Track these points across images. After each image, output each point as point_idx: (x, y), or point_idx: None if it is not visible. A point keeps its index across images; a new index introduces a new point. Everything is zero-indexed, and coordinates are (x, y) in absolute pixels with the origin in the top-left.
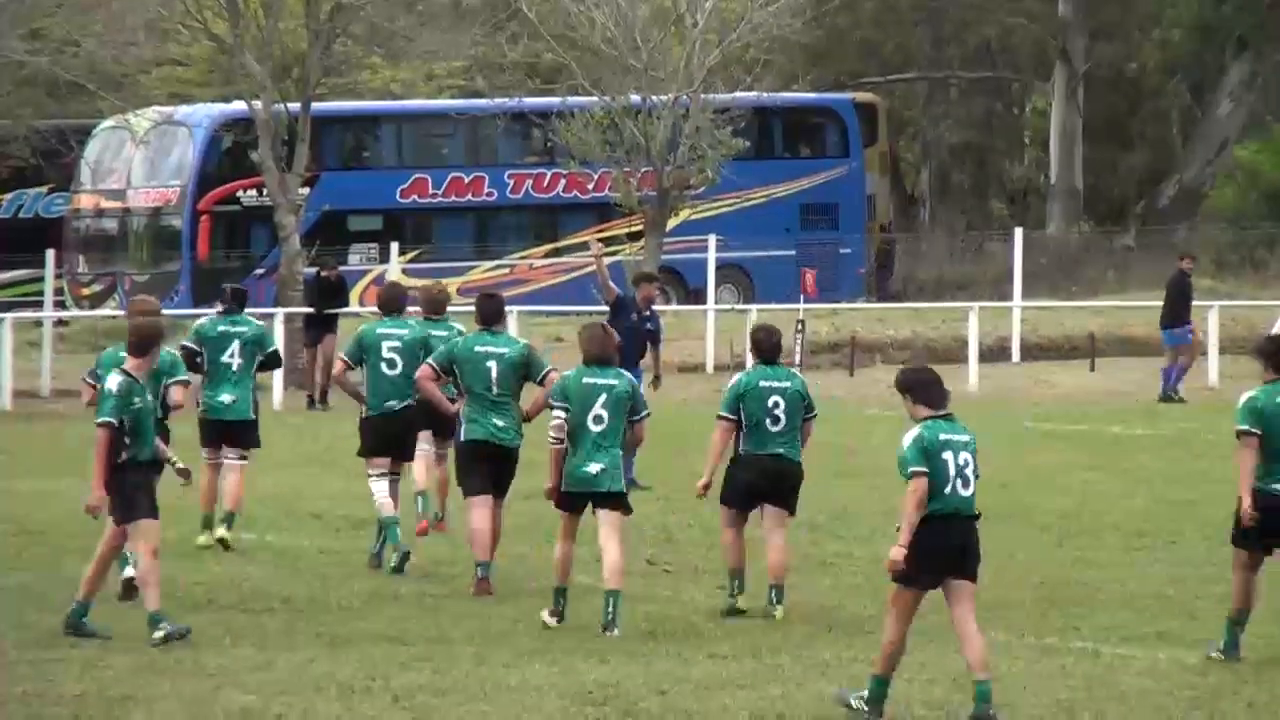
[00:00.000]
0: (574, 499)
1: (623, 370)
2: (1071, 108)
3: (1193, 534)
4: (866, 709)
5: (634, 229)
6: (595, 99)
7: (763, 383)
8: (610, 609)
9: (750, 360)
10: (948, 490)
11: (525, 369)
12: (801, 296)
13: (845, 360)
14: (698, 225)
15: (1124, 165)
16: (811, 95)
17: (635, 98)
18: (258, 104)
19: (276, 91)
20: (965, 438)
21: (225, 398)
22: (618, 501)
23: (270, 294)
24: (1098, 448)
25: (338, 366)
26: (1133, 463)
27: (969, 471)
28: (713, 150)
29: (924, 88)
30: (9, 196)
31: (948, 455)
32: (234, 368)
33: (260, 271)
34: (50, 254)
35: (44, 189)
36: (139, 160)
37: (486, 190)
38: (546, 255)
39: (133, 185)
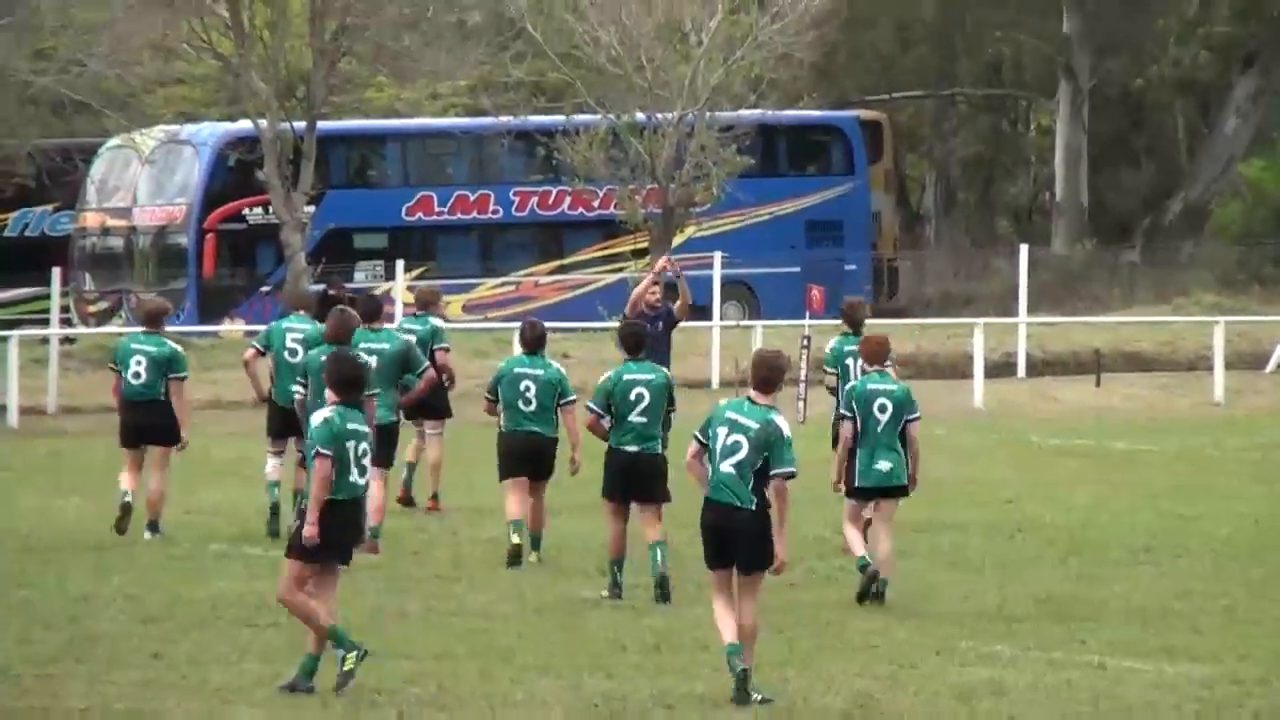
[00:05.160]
0: None
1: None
2: (1076, 125)
3: (1198, 548)
4: None
5: (639, 246)
6: (600, 117)
7: (518, 369)
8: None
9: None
10: (349, 479)
11: (405, 363)
12: (807, 313)
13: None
14: (703, 242)
15: (1129, 182)
16: (816, 113)
17: (640, 115)
18: (263, 122)
19: (282, 110)
20: (364, 429)
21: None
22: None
23: (276, 312)
24: (1103, 463)
25: (248, 353)
26: (1138, 478)
27: (366, 460)
28: (717, 168)
29: (930, 105)
30: (15, 215)
31: (350, 444)
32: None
33: (266, 289)
34: (56, 272)
35: (50, 207)
36: (144, 178)
37: (491, 208)
38: (551, 273)
39: (138, 203)
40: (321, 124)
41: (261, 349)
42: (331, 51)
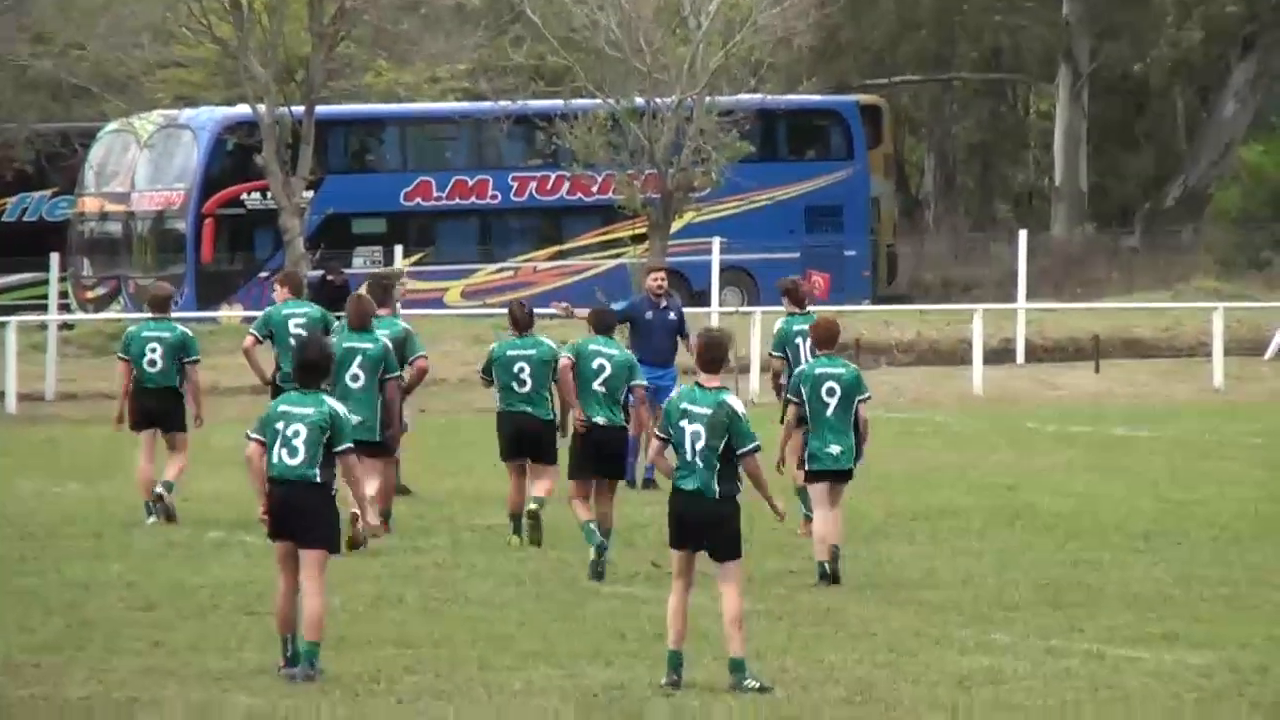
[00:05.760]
0: None
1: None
2: (1076, 110)
3: (1197, 535)
4: None
5: (638, 231)
6: (599, 101)
7: (510, 351)
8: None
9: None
10: (275, 459)
11: (402, 349)
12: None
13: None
14: (702, 228)
15: (1129, 167)
16: (816, 98)
17: (639, 100)
18: (262, 107)
19: (281, 94)
20: (309, 411)
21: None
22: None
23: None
24: (1102, 449)
25: (247, 341)
26: (1137, 464)
27: (298, 442)
28: (717, 152)
29: (930, 90)
30: (13, 200)
31: (280, 425)
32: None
33: (264, 275)
34: (54, 257)
35: (48, 192)
36: (143, 163)
37: (490, 193)
38: (550, 258)
39: (137, 188)
40: (320, 108)
41: (260, 336)
42: (330, 35)
